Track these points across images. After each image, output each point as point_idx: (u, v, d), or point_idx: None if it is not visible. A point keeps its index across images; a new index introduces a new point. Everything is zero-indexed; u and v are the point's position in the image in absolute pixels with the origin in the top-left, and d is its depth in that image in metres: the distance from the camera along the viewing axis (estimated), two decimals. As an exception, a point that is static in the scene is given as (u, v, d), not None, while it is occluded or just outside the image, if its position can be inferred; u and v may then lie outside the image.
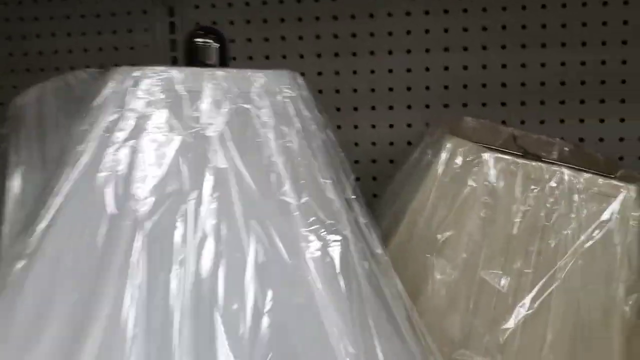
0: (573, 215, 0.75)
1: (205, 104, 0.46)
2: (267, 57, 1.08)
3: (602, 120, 1.03)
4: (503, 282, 0.75)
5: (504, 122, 1.03)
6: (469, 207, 0.75)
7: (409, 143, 1.04)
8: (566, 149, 0.97)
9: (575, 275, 0.75)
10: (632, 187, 0.76)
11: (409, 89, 1.05)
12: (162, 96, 0.46)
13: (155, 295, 0.41)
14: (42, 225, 0.44)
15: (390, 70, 1.06)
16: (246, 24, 1.08)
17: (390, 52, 1.05)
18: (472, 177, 0.76)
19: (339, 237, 0.45)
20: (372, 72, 1.06)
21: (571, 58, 1.01)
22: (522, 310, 0.74)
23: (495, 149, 0.80)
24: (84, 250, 0.43)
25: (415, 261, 0.75)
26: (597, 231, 0.75)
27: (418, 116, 1.05)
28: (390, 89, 1.06)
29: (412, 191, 0.81)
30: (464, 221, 0.75)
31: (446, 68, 1.04)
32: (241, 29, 1.08)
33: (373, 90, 1.06)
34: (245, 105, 0.47)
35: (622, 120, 1.03)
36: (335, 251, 0.44)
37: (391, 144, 1.07)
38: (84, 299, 0.41)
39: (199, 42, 0.55)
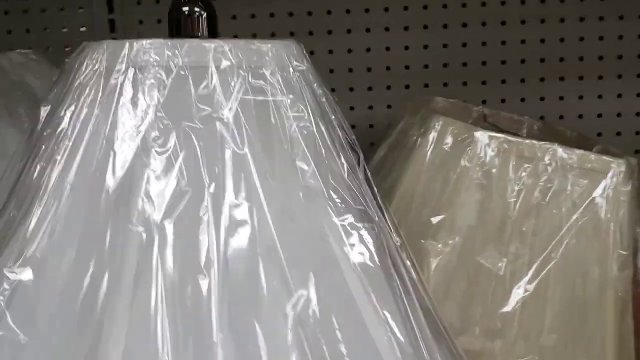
0: (567, 193, 0.74)
1: (214, 83, 0.42)
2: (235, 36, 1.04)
3: (580, 97, 1.03)
4: (500, 264, 0.73)
5: (484, 102, 1.02)
6: (463, 188, 0.74)
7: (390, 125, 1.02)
8: (535, 126, 0.97)
9: (570, 254, 0.74)
10: (622, 162, 0.75)
11: (388, 68, 1.03)
12: (163, 75, 0.42)
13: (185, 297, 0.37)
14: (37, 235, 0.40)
15: (368, 49, 1.03)
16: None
17: (367, 30, 1.02)
18: (465, 157, 0.74)
19: (370, 225, 0.42)
20: (349, 51, 1.03)
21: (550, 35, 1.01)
22: (519, 292, 0.73)
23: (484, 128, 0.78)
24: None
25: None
26: (590, 208, 0.74)
27: (397, 97, 1.03)
28: (369, 69, 1.03)
29: (398, 175, 0.79)
30: (458, 203, 0.74)
31: (425, 47, 1.02)
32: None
33: (351, 70, 1.03)
34: (258, 82, 0.43)
35: (581, 97, 1.03)
36: (369, 240, 0.41)
37: (371, 126, 1.05)
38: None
39: (186, 11, 0.50)
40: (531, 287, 0.74)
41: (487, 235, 0.74)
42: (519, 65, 1.02)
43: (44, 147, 0.44)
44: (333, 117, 0.48)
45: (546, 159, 0.74)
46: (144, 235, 0.38)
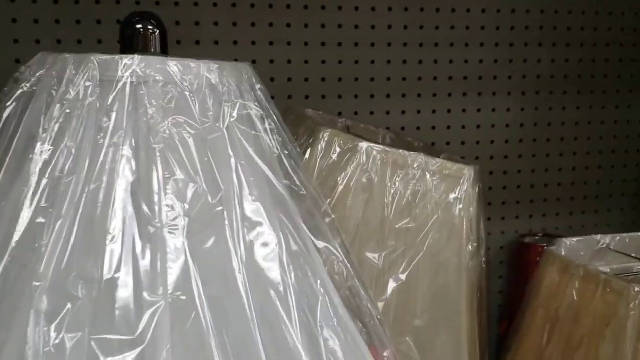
0: (431, 194, 0.87)
1: (208, 99, 0.46)
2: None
3: (418, 112, 1.19)
4: (380, 258, 0.84)
5: (340, 113, 1.14)
6: (350, 192, 0.83)
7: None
8: (388, 136, 1.11)
9: (434, 246, 0.87)
10: (471, 168, 0.90)
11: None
12: (161, 91, 0.45)
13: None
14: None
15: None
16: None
17: (235, 42, 1.08)
18: (350, 164, 0.84)
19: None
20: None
21: (396, 57, 1.15)
22: (394, 282, 0.85)
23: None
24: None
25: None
26: (448, 207, 0.88)
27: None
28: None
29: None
30: (346, 205, 0.83)
31: (289, 61, 1.11)
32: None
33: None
34: (241, 100, 0.48)
35: (434, 111, 1.19)
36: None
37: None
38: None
39: (139, 28, 0.52)
40: (403, 276, 0.86)
41: (370, 232, 0.84)
42: (368, 82, 1.15)
43: None
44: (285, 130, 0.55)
45: (415, 166, 0.87)
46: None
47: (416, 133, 1.18)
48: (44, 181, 0.42)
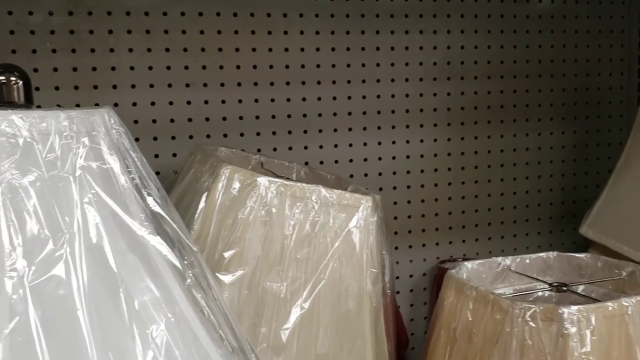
0: (330, 225, 0.89)
1: (56, 147, 0.48)
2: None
3: (335, 146, 1.21)
4: (281, 288, 0.85)
5: (259, 150, 1.15)
6: (250, 225, 0.84)
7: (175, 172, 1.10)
8: (302, 171, 1.13)
9: (335, 274, 0.88)
10: (369, 198, 0.92)
11: (172, 120, 1.11)
12: (7, 142, 0.46)
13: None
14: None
15: (153, 103, 1.10)
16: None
17: (151, 86, 1.10)
18: (250, 198, 0.85)
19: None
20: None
21: (311, 94, 1.18)
22: (297, 310, 0.86)
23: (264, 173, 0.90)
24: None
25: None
26: (347, 236, 0.89)
27: (183, 146, 1.11)
28: (154, 121, 1.11)
29: (192, 217, 0.88)
30: (247, 238, 0.84)
31: (206, 102, 1.12)
32: None
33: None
34: (95, 145, 0.50)
35: (350, 145, 1.22)
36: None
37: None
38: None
39: (2, 80, 0.53)
40: (306, 304, 0.87)
41: (271, 263, 0.85)
42: (286, 119, 1.17)
43: None
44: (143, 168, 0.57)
45: (313, 198, 0.88)
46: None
47: (334, 167, 1.21)
48: None
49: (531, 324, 0.79)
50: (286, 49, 1.15)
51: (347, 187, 1.01)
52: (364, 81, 1.21)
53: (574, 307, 0.78)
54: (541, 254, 1.06)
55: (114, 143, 0.53)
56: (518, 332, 0.79)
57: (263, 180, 0.85)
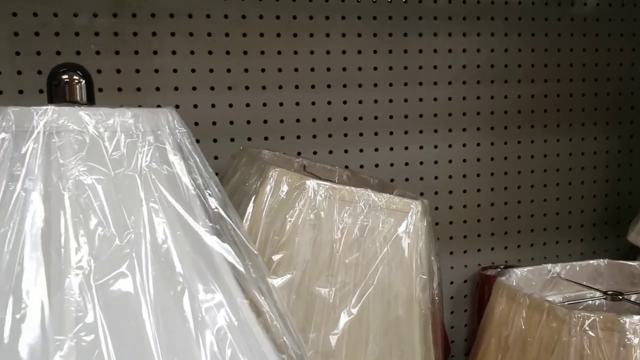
0: (379, 229, 0.87)
1: (122, 145, 0.47)
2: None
3: (376, 150, 1.19)
4: (330, 293, 0.83)
5: (299, 153, 1.14)
6: (299, 228, 0.83)
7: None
8: (344, 174, 1.11)
9: (384, 280, 0.86)
10: (418, 203, 0.90)
11: (214, 123, 1.10)
12: (73, 139, 0.45)
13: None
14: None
15: (195, 106, 1.09)
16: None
17: (194, 89, 1.09)
18: (299, 202, 0.83)
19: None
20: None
21: (352, 97, 1.16)
22: (346, 316, 0.84)
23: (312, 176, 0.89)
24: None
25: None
26: (397, 241, 0.87)
27: (224, 149, 1.10)
28: (196, 124, 1.10)
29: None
30: (295, 242, 0.83)
31: (248, 105, 1.11)
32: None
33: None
34: (160, 145, 0.49)
35: (391, 149, 1.20)
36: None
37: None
38: None
39: (66, 79, 0.53)
40: (355, 310, 0.85)
41: (320, 268, 0.83)
42: (326, 123, 1.16)
43: None
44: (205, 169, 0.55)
45: (362, 202, 0.86)
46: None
47: (375, 170, 1.19)
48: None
49: (590, 333, 0.76)
50: (327, 52, 1.14)
51: (392, 191, 0.99)
52: (406, 84, 1.19)
53: (637, 317, 0.75)
54: (591, 261, 1.02)
55: (177, 143, 0.51)
56: (576, 341, 0.77)
57: (312, 183, 0.84)
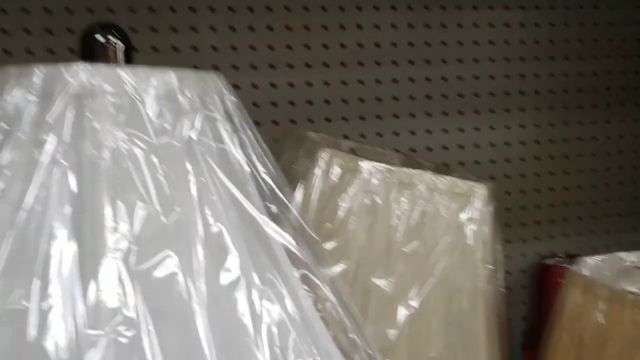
0: (441, 215, 0.79)
1: (165, 110, 0.40)
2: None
3: (429, 132, 1.11)
4: (389, 285, 0.76)
5: (345, 136, 1.06)
6: (352, 215, 0.75)
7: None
8: (396, 158, 1.03)
9: (446, 271, 0.78)
10: (483, 186, 0.82)
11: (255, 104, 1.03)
12: (109, 102, 0.39)
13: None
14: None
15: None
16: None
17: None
18: (352, 185, 0.76)
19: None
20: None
21: (403, 75, 1.08)
22: (406, 310, 0.76)
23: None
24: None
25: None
26: (460, 228, 0.80)
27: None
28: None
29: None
30: (349, 229, 0.75)
31: (291, 85, 1.04)
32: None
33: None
34: (208, 112, 0.42)
35: (445, 131, 1.12)
36: None
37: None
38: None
39: (101, 39, 0.46)
40: (415, 303, 0.77)
41: (376, 257, 0.76)
42: (375, 103, 1.08)
43: None
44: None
45: (422, 185, 0.79)
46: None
47: (427, 154, 1.11)
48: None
49: (685, 328, 0.67)
50: (376, 26, 1.06)
51: (449, 174, 0.90)
52: (460, 61, 1.11)
53: None
54: (668, 250, 0.93)
55: (228, 113, 0.44)
56: (669, 338, 0.68)
57: (366, 165, 0.76)
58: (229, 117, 0.45)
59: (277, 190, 0.46)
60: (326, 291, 0.45)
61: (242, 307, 0.38)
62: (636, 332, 0.71)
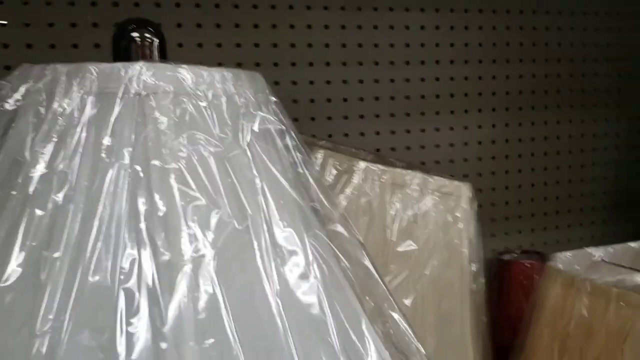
0: (431, 214, 0.80)
1: (225, 112, 0.38)
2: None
3: (408, 131, 1.12)
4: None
5: (313, 136, 1.05)
6: (350, 215, 0.75)
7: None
8: (369, 158, 1.03)
9: (437, 269, 0.79)
10: (469, 185, 0.83)
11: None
12: (173, 103, 0.36)
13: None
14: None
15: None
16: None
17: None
18: (348, 186, 0.75)
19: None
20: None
21: (376, 76, 1.08)
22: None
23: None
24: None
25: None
26: (449, 226, 0.81)
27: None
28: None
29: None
30: (347, 229, 0.75)
31: (277, 83, 1.02)
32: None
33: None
34: (260, 113, 0.40)
35: (423, 130, 1.13)
36: None
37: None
38: None
39: (136, 37, 0.43)
40: (408, 302, 0.78)
41: (373, 256, 0.76)
42: (358, 103, 1.08)
43: None
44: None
45: (414, 185, 0.79)
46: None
47: (392, 154, 1.11)
48: (38, 213, 0.32)
49: (668, 319, 0.71)
50: (359, 27, 1.05)
51: (427, 173, 0.91)
52: (422, 62, 1.12)
53: None
54: (631, 244, 0.98)
55: (276, 113, 0.42)
56: (653, 328, 0.71)
57: (362, 165, 0.76)
58: (277, 118, 0.43)
59: (320, 194, 0.45)
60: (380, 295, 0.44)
61: (318, 314, 0.37)
62: (621, 324, 0.74)
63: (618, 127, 1.35)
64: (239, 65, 0.98)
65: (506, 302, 1.16)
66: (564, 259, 0.93)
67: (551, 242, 1.33)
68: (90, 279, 0.32)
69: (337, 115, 1.06)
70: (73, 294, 0.31)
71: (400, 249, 0.77)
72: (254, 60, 0.98)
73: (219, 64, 0.82)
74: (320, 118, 1.06)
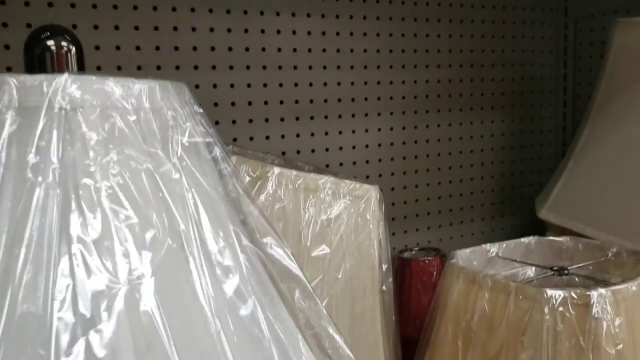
0: (343, 218, 0.80)
1: (154, 125, 0.36)
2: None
3: (312, 134, 1.12)
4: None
5: (235, 139, 1.04)
6: (265, 221, 0.74)
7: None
8: (277, 162, 1.03)
9: (349, 272, 0.80)
10: (377, 188, 0.85)
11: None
12: (101, 118, 0.34)
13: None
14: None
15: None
16: None
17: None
18: (262, 192, 0.74)
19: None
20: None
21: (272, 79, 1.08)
22: (316, 310, 0.76)
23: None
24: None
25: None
26: (361, 229, 0.82)
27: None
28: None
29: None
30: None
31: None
32: None
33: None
34: (190, 126, 0.38)
35: (327, 133, 1.14)
36: None
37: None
38: None
39: (52, 45, 0.40)
40: (323, 305, 0.77)
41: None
42: (263, 106, 1.07)
43: None
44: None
45: (326, 189, 0.79)
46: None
47: (312, 156, 1.12)
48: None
49: (561, 310, 0.76)
50: (262, 31, 1.05)
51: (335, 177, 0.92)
52: (338, 67, 1.13)
53: (603, 290, 0.76)
54: (522, 240, 1.04)
55: (202, 124, 0.41)
56: (549, 319, 0.76)
57: (275, 171, 0.75)
58: (205, 129, 0.42)
59: (252, 207, 0.44)
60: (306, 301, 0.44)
61: (258, 331, 0.36)
62: (520, 317, 0.79)
63: (503, 129, 1.43)
64: (139, 68, 0.94)
65: (407, 298, 1.19)
66: (463, 256, 0.98)
67: (446, 239, 1.38)
68: (19, 308, 0.29)
69: (242, 118, 1.05)
70: (1, 325, 0.29)
71: (314, 253, 0.77)
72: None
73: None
74: (224, 122, 1.05)
